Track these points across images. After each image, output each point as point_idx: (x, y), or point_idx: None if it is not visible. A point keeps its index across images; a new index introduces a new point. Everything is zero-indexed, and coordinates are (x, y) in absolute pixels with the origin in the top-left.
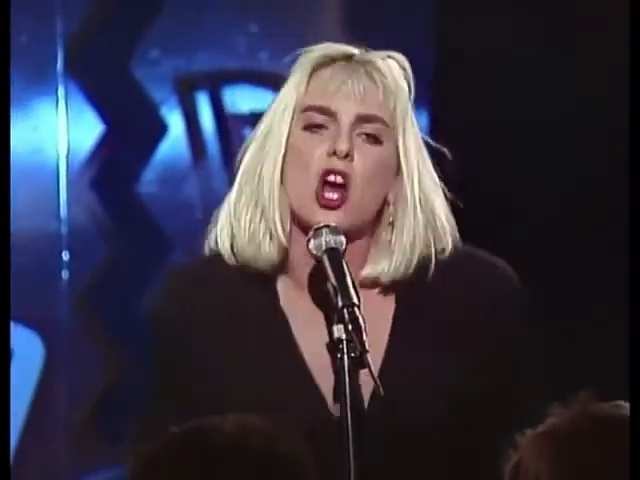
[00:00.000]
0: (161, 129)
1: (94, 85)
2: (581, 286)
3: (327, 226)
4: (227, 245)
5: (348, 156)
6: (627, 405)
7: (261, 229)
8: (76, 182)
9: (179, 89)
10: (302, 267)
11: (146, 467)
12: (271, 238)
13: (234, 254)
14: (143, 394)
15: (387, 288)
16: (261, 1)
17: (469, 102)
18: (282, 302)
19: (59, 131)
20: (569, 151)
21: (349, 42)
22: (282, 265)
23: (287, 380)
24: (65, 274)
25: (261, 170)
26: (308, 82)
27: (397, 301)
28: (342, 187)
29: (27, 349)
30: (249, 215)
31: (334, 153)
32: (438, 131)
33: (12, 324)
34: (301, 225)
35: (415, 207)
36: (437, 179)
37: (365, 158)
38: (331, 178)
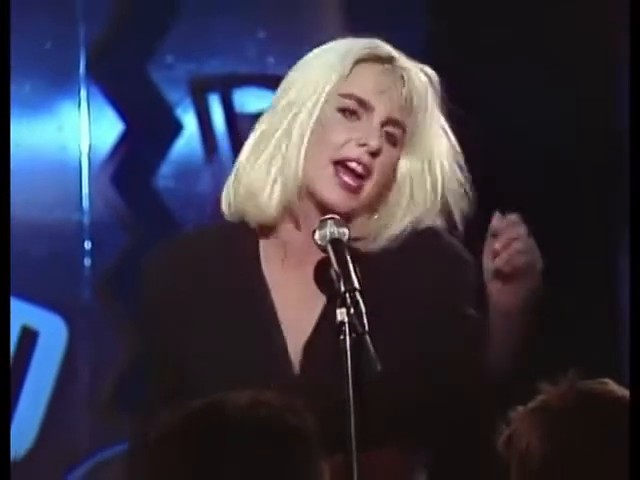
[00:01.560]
0: (176, 128)
1: (114, 88)
2: (568, 273)
3: (332, 218)
4: (230, 197)
5: (377, 153)
6: (610, 382)
7: (268, 184)
8: (97, 177)
9: (193, 91)
10: (296, 240)
11: (167, 437)
12: (271, 194)
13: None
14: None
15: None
16: (269, 10)
17: (462, 101)
18: (264, 268)
19: (81, 130)
20: (567, 149)
21: None
22: (273, 225)
23: (259, 344)
24: (87, 262)
25: (285, 137)
26: (351, 70)
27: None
28: (361, 177)
29: (51, 331)
30: (260, 172)
31: (364, 145)
32: None
33: (38, 308)
34: (311, 199)
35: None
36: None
37: (385, 158)
38: (353, 165)
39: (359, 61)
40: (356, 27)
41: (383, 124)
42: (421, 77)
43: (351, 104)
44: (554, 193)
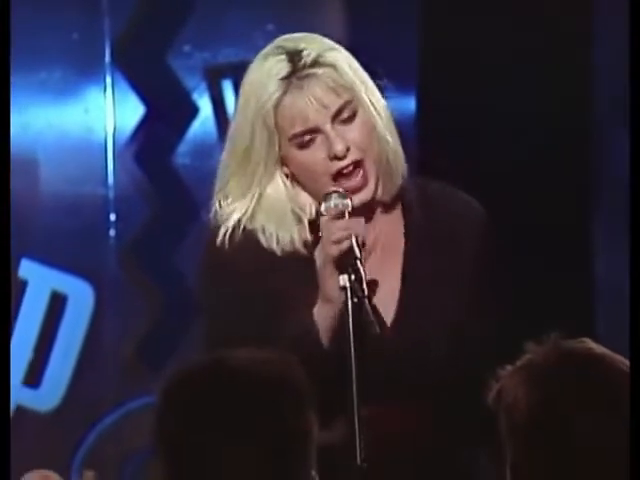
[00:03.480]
0: (193, 111)
1: (136, 74)
2: (550, 249)
3: (336, 191)
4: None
5: (348, 151)
6: (588, 340)
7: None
8: (121, 155)
9: (208, 78)
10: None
11: (177, 387)
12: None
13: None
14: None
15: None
16: (277, 5)
17: (454, 94)
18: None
19: (107, 113)
20: (548, 145)
21: (351, 41)
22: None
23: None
24: (112, 232)
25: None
26: (276, 119)
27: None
28: (357, 169)
29: (79, 296)
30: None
31: (335, 157)
32: (423, 122)
33: (67, 274)
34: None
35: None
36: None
37: (354, 133)
38: (345, 172)
39: (276, 105)
40: (359, 20)
41: (333, 123)
42: (325, 57)
43: (301, 139)
44: (537, 172)
